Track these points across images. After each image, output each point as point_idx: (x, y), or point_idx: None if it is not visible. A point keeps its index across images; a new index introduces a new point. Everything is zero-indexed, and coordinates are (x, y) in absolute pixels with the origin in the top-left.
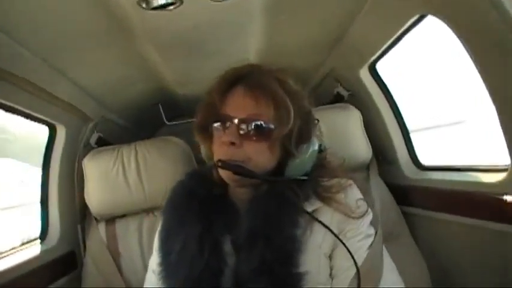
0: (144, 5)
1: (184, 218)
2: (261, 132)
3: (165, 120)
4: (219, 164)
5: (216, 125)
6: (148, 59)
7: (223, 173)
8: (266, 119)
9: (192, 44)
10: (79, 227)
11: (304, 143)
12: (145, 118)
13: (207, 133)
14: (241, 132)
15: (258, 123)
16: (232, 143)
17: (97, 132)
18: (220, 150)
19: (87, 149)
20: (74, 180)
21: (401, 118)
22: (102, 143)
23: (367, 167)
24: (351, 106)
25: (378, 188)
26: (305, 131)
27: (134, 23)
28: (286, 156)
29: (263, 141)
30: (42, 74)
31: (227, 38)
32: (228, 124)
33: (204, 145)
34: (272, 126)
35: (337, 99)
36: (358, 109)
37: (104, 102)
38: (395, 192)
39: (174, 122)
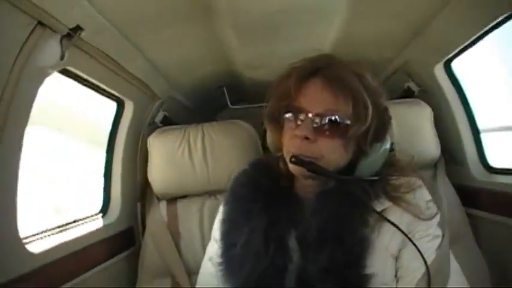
0: None
1: (248, 210)
2: (335, 128)
3: (229, 103)
4: (292, 159)
5: (288, 115)
6: (223, 40)
7: (294, 167)
8: (343, 115)
9: (272, 28)
10: (138, 204)
11: (378, 142)
12: (208, 100)
13: (277, 123)
14: (315, 125)
15: (333, 118)
16: (307, 138)
17: (163, 111)
18: (292, 144)
19: (152, 127)
20: (136, 157)
21: (473, 118)
22: (167, 122)
23: (434, 165)
24: (422, 102)
25: (445, 188)
26: (381, 129)
27: (220, 2)
28: (358, 154)
29: (337, 138)
30: (121, 49)
31: (308, 24)
32: (302, 117)
33: (273, 134)
34: (348, 122)
35: (407, 94)
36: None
37: (173, 81)
38: (461, 193)
39: (237, 106)
